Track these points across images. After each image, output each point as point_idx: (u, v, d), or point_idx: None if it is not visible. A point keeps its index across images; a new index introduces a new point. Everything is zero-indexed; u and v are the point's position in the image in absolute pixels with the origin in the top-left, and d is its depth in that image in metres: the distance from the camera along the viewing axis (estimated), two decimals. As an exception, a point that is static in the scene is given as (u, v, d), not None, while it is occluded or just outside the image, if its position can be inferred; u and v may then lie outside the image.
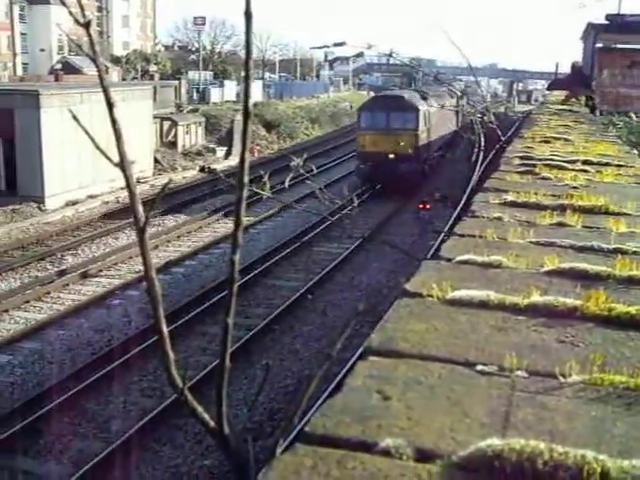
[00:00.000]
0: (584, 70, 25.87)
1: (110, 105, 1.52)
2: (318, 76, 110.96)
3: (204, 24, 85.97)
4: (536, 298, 3.20)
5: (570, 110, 17.41)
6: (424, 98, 38.89)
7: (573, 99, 20.61)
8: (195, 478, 11.32)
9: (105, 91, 1.53)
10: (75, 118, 1.64)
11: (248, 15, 1.46)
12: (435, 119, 39.15)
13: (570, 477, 1.82)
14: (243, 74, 1.60)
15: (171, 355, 1.61)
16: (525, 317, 3.05)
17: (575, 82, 23.10)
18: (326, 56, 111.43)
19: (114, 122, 1.53)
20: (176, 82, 66.31)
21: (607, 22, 23.00)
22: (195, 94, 71.04)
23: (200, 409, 1.66)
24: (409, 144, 34.73)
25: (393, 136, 34.33)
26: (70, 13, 1.77)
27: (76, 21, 1.60)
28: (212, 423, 1.67)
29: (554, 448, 1.89)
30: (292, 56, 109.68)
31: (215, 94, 71.16)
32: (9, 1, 79.80)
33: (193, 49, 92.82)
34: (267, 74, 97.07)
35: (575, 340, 2.83)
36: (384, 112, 34.94)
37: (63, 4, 2.14)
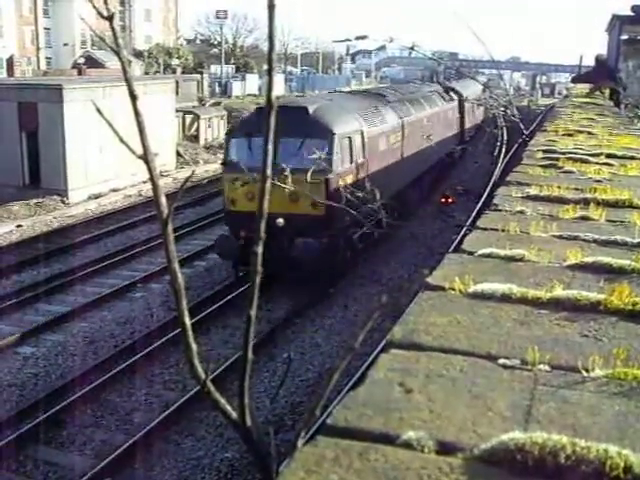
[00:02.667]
0: (609, 62, 25.66)
1: (133, 97, 1.53)
2: (340, 69, 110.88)
3: (226, 17, 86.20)
4: (559, 292, 3.19)
5: (594, 103, 17.28)
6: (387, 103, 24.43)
7: (597, 92, 20.45)
8: (217, 470, 11.37)
9: (128, 84, 1.53)
10: (99, 111, 1.65)
11: (271, 7, 1.46)
12: (418, 129, 26.59)
13: (593, 471, 1.81)
14: (265, 67, 1.60)
15: (194, 347, 1.62)
16: (548, 311, 3.03)
17: (599, 75, 22.91)
18: (348, 49, 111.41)
19: (137, 114, 1.54)
20: (198, 76, 66.54)
21: (632, 14, 22.78)
22: (217, 87, 71.36)
23: (223, 401, 1.66)
24: (316, 198, 18.87)
25: (284, 185, 18.09)
26: (94, 7, 1.78)
27: (100, 14, 1.61)
28: (234, 415, 1.67)
29: (577, 442, 1.88)
30: (314, 50, 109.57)
31: (237, 87, 71.45)
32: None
33: (215, 43, 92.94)
34: (289, 68, 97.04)
35: (598, 334, 2.81)
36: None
37: (87, -2, 2.15)
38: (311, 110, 18.47)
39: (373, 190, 16.60)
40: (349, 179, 18.13)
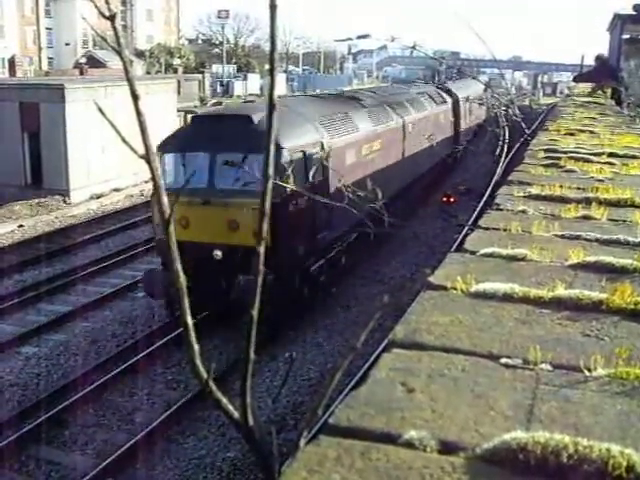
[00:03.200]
0: (610, 61, 25.66)
1: (135, 97, 1.53)
2: (342, 69, 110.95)
3: (228, 17, 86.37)
4: (561, 291, 3.19)
5: (596, 102, 17.28)
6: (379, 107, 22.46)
7: (599, 91, 20.45)
8: (219, 470, 11.38)
9: (130, 83, 1.54)
10: (100, 111, 1.66)
11: (273, 7, 1.46)
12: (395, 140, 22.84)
13: (595, 471, 1.81)
14: (267, 67, 1.60)
15: (196, 347, 1.62)
16: (550, 310, 3.03)
17: (601, 74, 22.93)
18: (350, 49, 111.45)
19: (139, 114, 1.54)
20: (200, 75, 66.62)
21: (634, 13, 22.79)
22: (219, 87, 71.49)
23: (225, 400, 1.66)
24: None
25: (222, 209, 15.07)
26: (96, 7, 1.79)
27: (101, 14, 1.61)
28: (236, 414, 1.67)
29: (579, 442, 1.88)
30: (315, 49, 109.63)
31: (238, 87, 71.57)
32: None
33: (217, 42, 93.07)
34: (290, 67, 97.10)
35: (600, 334, 2.81)
36: (206, 155, 15.58)
37: (89, -3, 2.15)
38: (256, 119, 15.05)
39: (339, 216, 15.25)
40: (303, 202, 14.97)
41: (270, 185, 1.56)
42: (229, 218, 14.60)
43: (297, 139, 15.43)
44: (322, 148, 16.09)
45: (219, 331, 15.31)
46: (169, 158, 15.72)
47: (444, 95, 33.25)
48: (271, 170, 1.56)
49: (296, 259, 15.07)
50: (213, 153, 15.23)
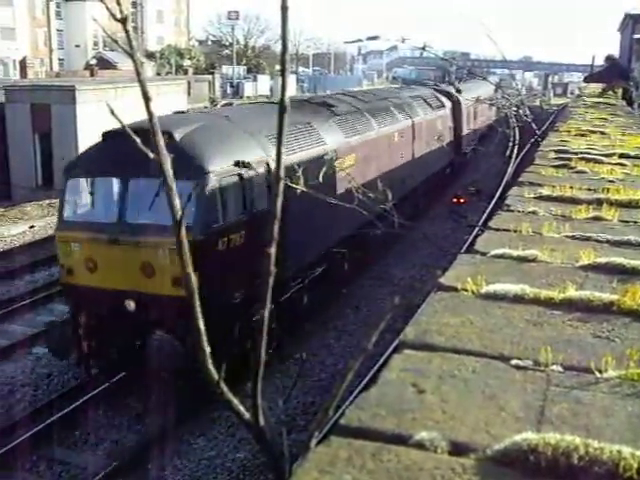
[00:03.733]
0: (621, 62, 25.59)
1: (147, 99, 1.54)
2: (352, 70, 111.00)
3: (238, 18, 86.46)
4: (572, 293, 3.18)
5: (607, 103, 17.23)
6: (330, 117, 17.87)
7: (610, 91, 20.39)
8: (228, 470, 11.40)
9: (142, 85, 1.54)
10: (112, 112, 1.67)
11: (284, 9, 1.47)
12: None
13: (606, 473, 1.81)
14: (278, 68, 1.60)
15: (207, 349, 1.63)
16: (560, 312, 3.03)
17: (612, 74, 22.84)
18: (360, 50, 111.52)
19: (150, 116, 1.55)
20: (210, 77, 66.72)
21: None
22: (229, 88, 71.63)
23: (236, 401, 1.67)
24: (178, 272, 9.56)
25: (134, 250, 11.97)
26: (107, 9, 1.80)
27: (113, 17, 1.62)
28: (247, 415, 1.68)
29: (590, 443, 1.88)
30: (325, 50, 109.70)
31: (249, 88, 71.66)
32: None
33: (227, 43, 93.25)
34: (300, 68, 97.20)
35: (611, 335, 2.80)
36: (117, 181, 12.81)
37: (101, 0, 2.16)
38: (178, 135, 12.12)
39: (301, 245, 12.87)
40: (238, 238, 12.14)
41: (281, 187, 1.56)
42: (143, 260, 11.60)
43: (230, 160, 12.38)
44: (268, 169, 12.81)
45: (139, 396, 12.92)
46: (73, 184, 12.86)
47: (442, 98, 30.23)
48: (282, 172, 1.56)
49: (230, 308, 11.89)
50: (124, 178, 12.13)
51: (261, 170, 12.79)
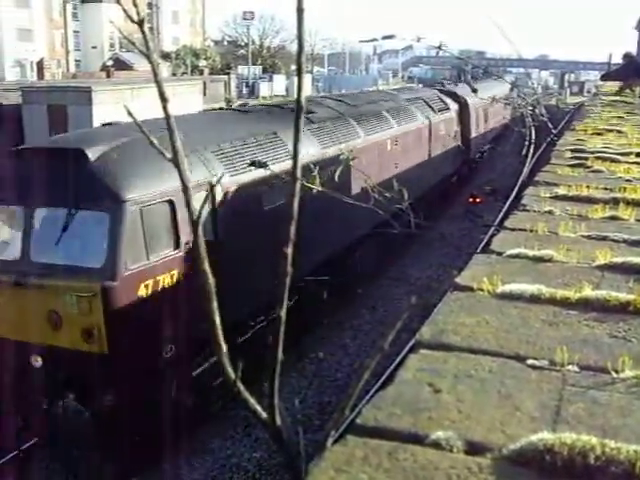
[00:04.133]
0: (639, 59, 25.43)
1: (164, 100, 1.55)
2: (367, 69, 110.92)
3: (253, 18, 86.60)
4: (588, 292, 3.17)
5: (623, 101, 17.13)
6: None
7: (627, 90, 20.27)
8: (244, 470, 11.43)
9: (159, 86, 1.55)
10: (130, 113, 1.68)
11: (300, 11, 1.47)
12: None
13: (622, 473, 1.80)
14: (293, 68, 1.61)
15: (224, 347, 1.63)
16: (577, 311, 3.02)
17: (629, 72, 22.69)
18: (375, 49, 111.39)
19: (168, 117, 1.56)
20: (225, 77, 66.84)
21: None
22: (244, 88, 71.76)
23: (252, 401, 1.68)
24: (97, 322, 9.16)
25: (39, 295, 9.40)
26: (124, 11, 1.81)
27: (130, 19, 1.63)
28: (264, 415, 1.69)
29: (606, 443, 1.88)
30: (341, 50, 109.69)
31: (264, 88, 71.75)
32: (62, 0, 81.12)
33: (242, 44, 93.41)
34: (316, 68, 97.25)
35: (628, 335, 2.80)
36: (20, 210, 10.08)
37: (118, 2, 2.18)
38: (93, 155, 9.85)
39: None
40: (168, 279, 9.94)
41: (298, 187, 1.56)
42: (49, 308, 9.42)
43: (159, 182, 9.85)
44: (211, 191, 10.49)
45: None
46: None
47: (446, 100, 27.38)
48: (299, 172, 1.56)
49: (161, 366, 9.83)
50: (29, 208, 9.91)
51: (202, 193, 9.64)
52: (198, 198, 8.75)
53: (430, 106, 24.78)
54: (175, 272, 9.98)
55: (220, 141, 11.93)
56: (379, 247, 18.41)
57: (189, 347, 9.91)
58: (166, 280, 9.91)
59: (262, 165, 11.64)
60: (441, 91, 28.60)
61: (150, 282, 9.67)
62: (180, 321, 9.23)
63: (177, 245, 10.11)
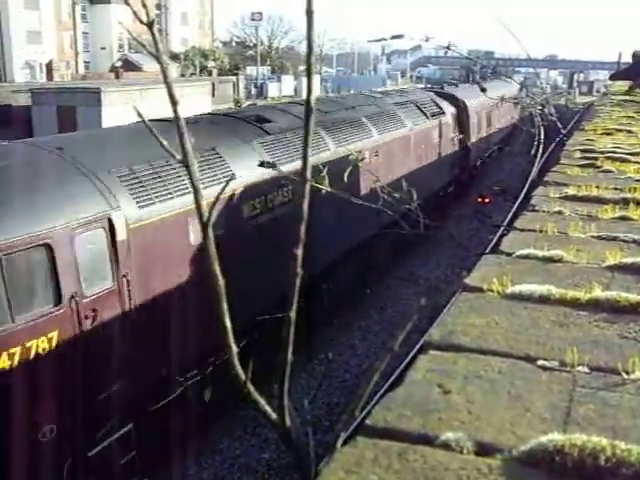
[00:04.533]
0: (648, 60, 25.33)
1: (174, 102, 1.55)
2: (375, 70, 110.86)
3: (261, 19, 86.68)
4: (598, 293, 3.17)
5: (633, 100, 17.07)
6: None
7: (637, 89, 20.20)
8: (254, 470, 11.43)
9: (169, 88, 1.56)
10: (139, 115, 1.68)
11: (309, 13, 1.47)
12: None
13: (633, 474, 1.80)
14: (302, 68, 1.61)
15: (234, 348, 1.63)
16: (587, 312, 3.01)
17: (639, 71, 22.62)
18: (383, 49, 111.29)
19: (177, 119, 1.56)
20: (234, 77, 66.94)
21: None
22: (253, 89, 71.83)
23: (262, 402, 1.68)
24: None
25: None
26: (134, 13, 1.81)
27: (140, 20, 1.63)
28: (274, 416, 1.69)
29: (617, 444, 1.87)
30: (349, 50, 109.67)
31: (273, 89, 71.85)
32: (71, 1, 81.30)
33: (251, 45, 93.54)
34: (324, 68, 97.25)
35: (638, 336, 2.79)
36: None
37: (127, 3, 2.18)
38: None
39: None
40: (44, 344, 7.91)
41: (308, 188, 1.56)
42: None
43: (30, 222, 7.89)
44: (111, 230, 8.65)
45: None
46: None
47: (442, 104, 25.01)
48: (309, 173, 1.56)
49: (38, 448, 7.96)
50: None
51: (92, 233, 8.37)
52: (85, 239, 8.22)
53: (422, 110, 22.51)
54: (55, 334, 7.99)
55: (130, 162, 9.70)
56: (355, 274, 17.13)
57: (84, 423, 8.36)
58: (41, 346, 7.89)
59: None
60: (437, 93, 26.64)
61: (16, 350, 7.64)
62: (65, 395, 7.91)
63: (58, 300, 8.10)
